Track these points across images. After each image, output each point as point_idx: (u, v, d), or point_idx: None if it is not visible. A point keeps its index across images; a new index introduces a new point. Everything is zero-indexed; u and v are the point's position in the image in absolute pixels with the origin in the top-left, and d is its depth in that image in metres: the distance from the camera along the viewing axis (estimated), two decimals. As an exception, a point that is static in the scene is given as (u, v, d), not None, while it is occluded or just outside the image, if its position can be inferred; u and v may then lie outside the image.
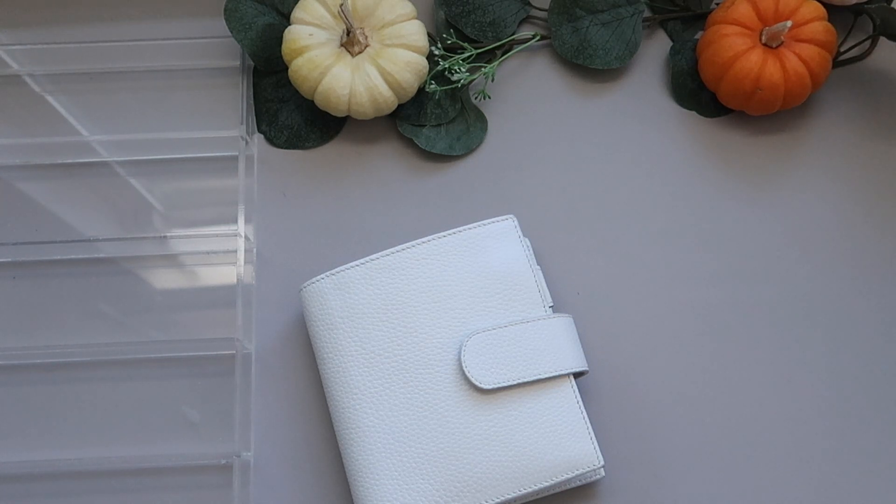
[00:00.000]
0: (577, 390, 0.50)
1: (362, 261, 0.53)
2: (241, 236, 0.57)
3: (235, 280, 0.56)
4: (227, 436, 0.54)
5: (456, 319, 0.51)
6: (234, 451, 0.52)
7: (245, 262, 0.57)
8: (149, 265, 0.58)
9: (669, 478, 0.53)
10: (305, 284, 0.53)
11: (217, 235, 0.58)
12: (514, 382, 0.49)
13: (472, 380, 0.49)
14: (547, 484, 0.49)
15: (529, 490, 0.48)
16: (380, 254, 0.53)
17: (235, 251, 0.57)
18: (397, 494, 0.49)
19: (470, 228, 0.53)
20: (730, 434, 0.54)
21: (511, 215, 0.54)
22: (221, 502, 0.53)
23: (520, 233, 0.54)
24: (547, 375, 0.50)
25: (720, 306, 0.57)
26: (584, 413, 0.50)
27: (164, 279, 0.58)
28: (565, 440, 0.49)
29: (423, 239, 0.53)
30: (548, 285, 0.56)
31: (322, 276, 0.53)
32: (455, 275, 0.52)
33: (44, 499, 0.53)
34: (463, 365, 0.50)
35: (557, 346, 0.51)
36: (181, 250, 0.58)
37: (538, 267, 0.53)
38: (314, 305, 0.53)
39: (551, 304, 0.53)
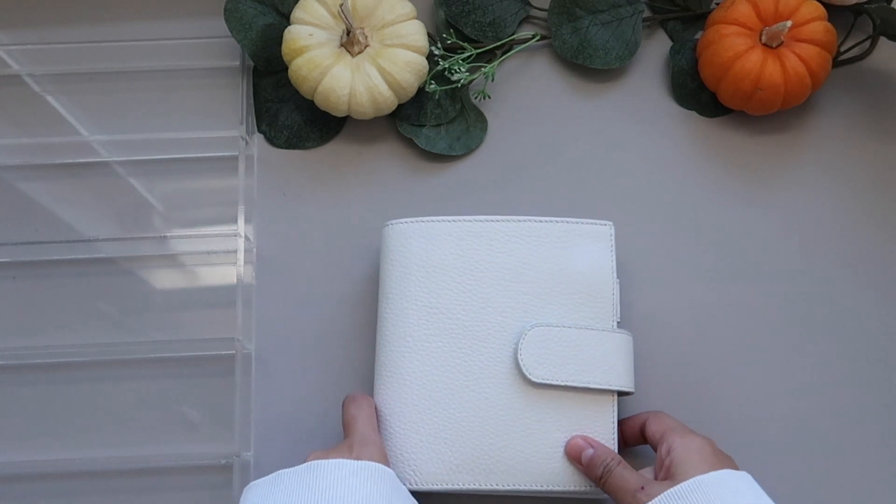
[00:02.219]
0: (616, 409, 0.50)
1: (453, 218, 0.52)
2: (241, 236, 0.57)
3: (235, 280, 0.56)
4: (227, 436, 0.54)
5: (526, 304, 0.51)
6: (234, 451, 0.52)
7: (245, 262, 0.57)
8: (149, 265, 0.58)
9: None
10: (392, 222, 0.53)
11: (217, 235, 0.58)
12: (562, 383, 0.49)
13: (523, 368, 0.49)
14: (559, 489, 0.49)
15: (541, 489, 0.49)
16: (472, 217, 0.52)
17: (235, 251, 0.57)
18: (417, 450, 0.49)
19: (567, 221, 0.53)
20: (730, 435, 0.54)
21: (610, 222, 0.53)
22: (221, 502, 0.53)
23: (613, 242, 0.53)
24: (595, 386, 0.50)
25: (719, 306, 0.57)
26: (617, 433, 0.50)
27: (164, 279, 0.58)
28: None
29: (519, 217, 0.52)
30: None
31: (410, 219, 0.53)
32: (539, 261, 0.52)
33: (44, 499, 0.53)
34: (518, 352, 0.50)
35: (612, 361, 0.50)
36: (181, 250, 0.58)
37: (618, 280, 0.53)
38: (395, 245, 0.53)
39: (619, 320, 0.52)
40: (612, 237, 0.53)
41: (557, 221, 0.52)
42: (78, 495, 0.53)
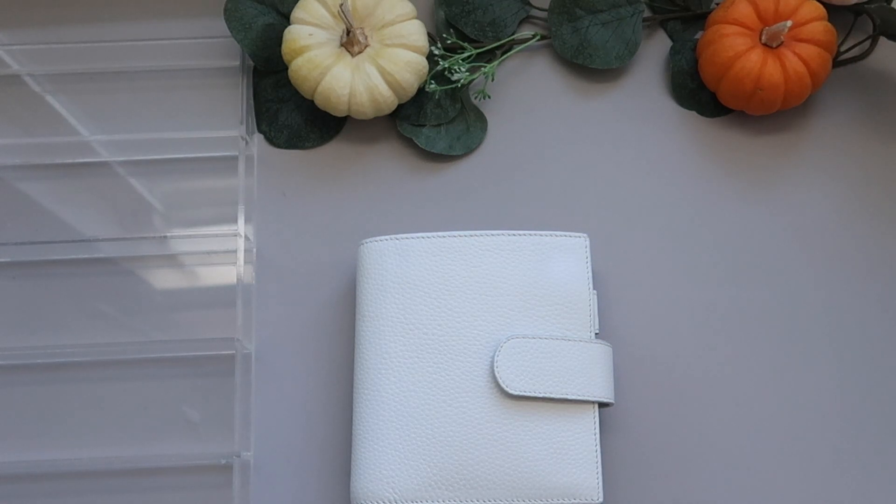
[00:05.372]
0: (598, 420, 0.50)
1: (428, 234, 0.53)
2: (241, 236, 0.57)
3: (235, 280, 0.56)
4: (227, 436, 0.54)
5: (502, 317, 0.51)
6: (234, 451, 0.52)
7: (245, 262, 0.57)
8: (149, 265, 0.58)
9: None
10: (366, 241, 0.53)
11: (217, 235, 0.58)
12: (540, 395, 0.49)
13: (500, 381, 0.49)
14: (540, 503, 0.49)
15: None
16: (446, 233, 0.53)
17: (235, 251, 0.57)
18: (395, 467, 0.49)
19: (541, 234, 0.53)
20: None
21: (585, 234, 0.53)
22: (221, 502, 0.53)
23: (588, 253, 0.53)
24: (574, 398, 0.49)
25: (719, 307, 0.57)
26: (598, 445, 0.50)
27: (164, 279, 0.58)
28: (571, 467, 0.49)
29: (493, 231, 0.53)
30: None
31: (385, 237, 0.53)
32: (514, 274, 0.52)
33: (44, 499, 0.53)
34: (495, 364, 0.50)
35: (592, 372, 0.50)
36: (181, 250, 0.58)
37: (594, 291, 0.53)
38: (370, 263, 0.53)
39: (597, 331, 0.52)
40: (587, 248, 0.53)
41: (531, 234, 0.53)
42: (78, 495, 0.53)
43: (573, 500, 0.49)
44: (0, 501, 0.53)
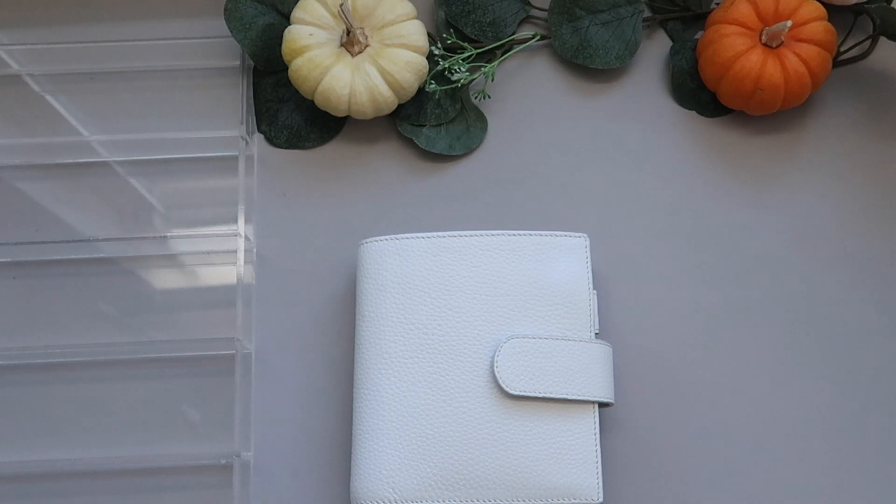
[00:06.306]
0: (597, 420, 0.50)
1: (428, 234, 0.53)
2: (241, 236, 0.57)
3: (235, 280, 0.56)
4: (227, 436, 0.54)
5: (502, 318, 0.51)
6: (234, 451, 0.52)
7: (245, 262, 0.57)
8: (149, 265, 0.58)
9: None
10: (366, 241, 0.53)
11: (217, 235, 0.58)
12: (540, 395, 0.49)
13: (500, 381, 0.49)
14: (540, 503, 0.49)
15: None
16: (446, 233, 0.53)
17: (235, 251, 0.57)
18: (395, 467, 0.49)
19: (541, 234, 0.53)
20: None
21: (585, 234, 0.53)
22: (221, 502, 0.53)
23: (588, 253, 0.53)
24: (574, 398, 0.49)
25: (719, 306, 0.57)
26: (598, 445, 0.50)
27: (164, 279, 0.58)
28: (571, 467, 0.49)
29: (493, 231, 0.53)
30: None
31: (385, 237, 0.53)
32: (514, 274, 0.52)
33: (44, 499, 0.53)
34: (495, 364, 0.50)
35: (592, 372, 0.50)
36: (181, 250, 0.58)
37: (595, 291, 0.53)
38: (370, 263, 0.53)
39: (597, 331, 0.52)
40: (587, 248, 0.53)
41: (531, 234, 0.53)
42: (78, 495, 0.53)
43: (573, 500, 0.49)
44: (0, 501, 0.53)
